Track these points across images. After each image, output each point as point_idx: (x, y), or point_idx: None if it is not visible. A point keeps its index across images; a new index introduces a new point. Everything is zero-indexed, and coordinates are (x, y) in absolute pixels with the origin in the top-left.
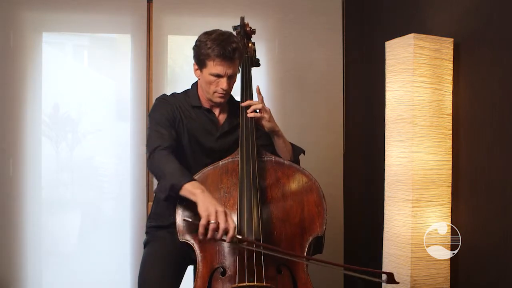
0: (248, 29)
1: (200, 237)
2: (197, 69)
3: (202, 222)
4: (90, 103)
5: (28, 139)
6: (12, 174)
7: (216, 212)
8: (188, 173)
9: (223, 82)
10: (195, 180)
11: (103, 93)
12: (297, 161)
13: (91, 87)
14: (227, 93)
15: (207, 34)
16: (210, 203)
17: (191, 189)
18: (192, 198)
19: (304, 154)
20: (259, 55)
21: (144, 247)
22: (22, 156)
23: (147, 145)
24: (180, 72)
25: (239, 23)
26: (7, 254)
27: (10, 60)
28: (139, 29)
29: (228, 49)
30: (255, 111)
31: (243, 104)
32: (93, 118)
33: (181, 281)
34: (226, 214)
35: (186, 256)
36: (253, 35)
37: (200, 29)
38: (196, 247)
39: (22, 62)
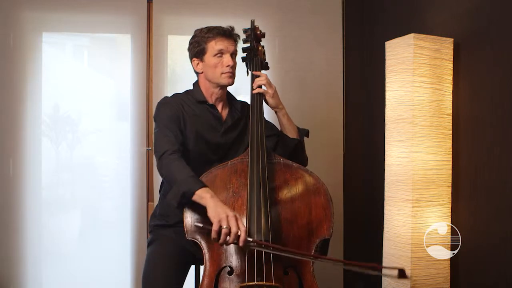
0: (258, 32)
1: (214, 241)
2: (198, 63)
3: (214, 227)
4: (90, 103)
5: (28, 139)
6: (12, 174)
7: (227, 217)
8: (199, 179)
9: (228, 59)
10: (206, 186)
11: (103, 93)
12: (302, 144)
13: (91, 87)
14: (233, 73)
15: (198, 29)
16: (221, 208)
17: (201, 194)
18: (202, 202)
19: (307, 136)
20: None
21: (148, 246)
22: (22, 156)
23: (155, 149)
24: (180, 72)
25: (250, 26)
26: (7, 254)
27: (10, 60)
28: (139, 29)
29: (226, 27)
30: (260, 87)
31: (254, 74)
32: (93, 118)
33: (184, 280)
34: (236, 219)
35: (190, 255)
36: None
37: None
38: (203, 246)
39: (22, 62)
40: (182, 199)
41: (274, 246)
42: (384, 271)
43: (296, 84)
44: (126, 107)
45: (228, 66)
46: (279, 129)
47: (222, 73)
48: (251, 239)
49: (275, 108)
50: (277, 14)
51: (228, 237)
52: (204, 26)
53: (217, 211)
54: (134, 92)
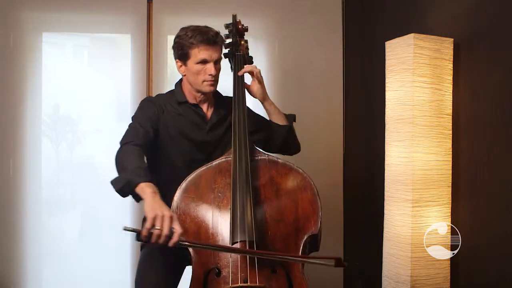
0: (240, 26)
1: (143, 240)
2: (181, 65)
3: (147, 225)
4: (90, 103)
5: (28, 139)
6: (12, 174)
7: (163, 217)
8: (149, 175)
9: (211, 68)
10: (151, 182)
11: (103, 93)
12: (293, 129)
13: (91, 87)
14: (216, 81)
15: (183, 28)
16: (158, 206)
17: (144, 188)
18: (142, 195)
19: (295, 120)
20: (259, 55)
21: (141, 249)
22: (22, 156)
23: (122, 139)
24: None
25: (231, 21)
26: (7, 254)
27: (10, 60)
28: (139, 29)
29: (210, 34)
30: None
31: (240, 73)
32: (93, 118)
33: (178, 282)
34: (172, 220)
35: (183, 257)
36: (245, 33)
37: None
38: (190, 248)
39: (22, 62)
40: (125, 186)
41: (196, 245)
42: (321, 261)
43: (296, 84)
44: (126, 107)
45: (210, 75)
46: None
47: (204, 81)
48: (186, 243)
49: (262, 99)
50: (277, 14)
51: (158, 239)
52: (204, 26)
53: (154, 209)
54: (134, 92)
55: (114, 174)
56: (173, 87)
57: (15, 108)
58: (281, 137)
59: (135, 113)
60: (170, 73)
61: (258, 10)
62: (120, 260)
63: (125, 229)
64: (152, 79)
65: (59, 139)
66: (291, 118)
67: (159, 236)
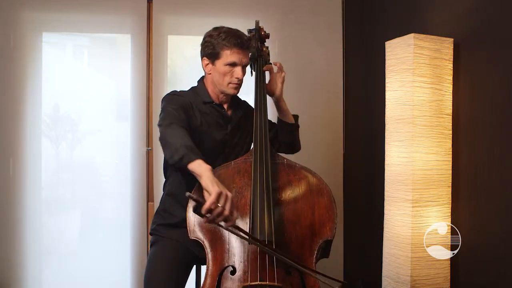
0: (262, 33)
1: (203, 212)
2: (207, 64)
3: (212, 199)
4: (90, 103)
5: (28, 139)
6: (12, 174)
7: (226, 196)
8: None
9: (238, 71)
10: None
11: (103, 93)
12: (298, 127)
13: (91, 87)
14: (240, 84)
15: (216, 29)
16: (220, 184)
17: (202, 164)
18: (199, 170)
19: (297, 118)
20: None
21: (151, 246)
22: (22, 156)
23: (163, 119)
24: (180, 72)
25: (254, 27)
26: (7, 254)
27: (10, 60)
28: (139, 29)
29: (244, 38)
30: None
31: (265, 68)
32: (93, 118)
33: (186, 280)
34: (232, 203)
35: (192, 256)
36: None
37: (200, 29)
38: (206, 246)
39: (22, 62)
40: (179, 162)
41: (241, 234)
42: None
43: (296, 84)
44: (126, 107)
45: (237, 78)
46: (277, 119)
47: (229, 83)
48: (236, 228)
49: (279, 97)
50: (277, 15)
51: (217, 218)
52: (203, 26)
53: (218, 185)
54: (134, 92)
55: (113, 174)
56: (173, 87)
57: (15, 108)
58: (290, 135)
59: (166, 104)
60: (170, 73)
61: (258, 10)
62: (120, 260)
63: (189, 196)
64: (152, 79)
65: (59, 139)
66: (296, 118)
67: (220, 214)
